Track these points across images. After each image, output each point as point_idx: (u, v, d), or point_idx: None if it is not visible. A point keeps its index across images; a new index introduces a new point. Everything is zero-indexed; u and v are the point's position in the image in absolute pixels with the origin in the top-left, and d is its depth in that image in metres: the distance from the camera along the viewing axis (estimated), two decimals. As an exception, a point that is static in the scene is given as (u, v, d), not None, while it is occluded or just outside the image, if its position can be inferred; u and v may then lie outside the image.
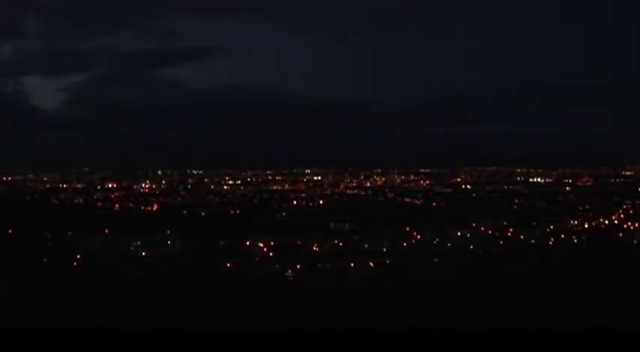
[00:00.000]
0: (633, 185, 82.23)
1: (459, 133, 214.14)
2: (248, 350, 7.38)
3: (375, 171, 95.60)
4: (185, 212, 69.29)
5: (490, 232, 59.48)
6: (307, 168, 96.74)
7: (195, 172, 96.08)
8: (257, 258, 52.06)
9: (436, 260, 51.66)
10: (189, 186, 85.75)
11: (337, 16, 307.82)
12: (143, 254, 52.00)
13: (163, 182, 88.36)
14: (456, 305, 36.96)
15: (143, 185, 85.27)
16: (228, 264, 49.30)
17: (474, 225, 60.31)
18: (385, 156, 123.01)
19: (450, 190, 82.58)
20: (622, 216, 66.91)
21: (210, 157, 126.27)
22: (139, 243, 53.21)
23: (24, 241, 53.50)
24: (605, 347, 7.20)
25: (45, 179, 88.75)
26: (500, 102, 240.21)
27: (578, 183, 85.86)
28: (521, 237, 58.77)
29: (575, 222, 63.47)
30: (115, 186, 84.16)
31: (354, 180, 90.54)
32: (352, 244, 55.02)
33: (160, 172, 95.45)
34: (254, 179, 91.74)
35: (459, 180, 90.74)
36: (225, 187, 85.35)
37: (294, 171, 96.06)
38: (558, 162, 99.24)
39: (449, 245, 56.08)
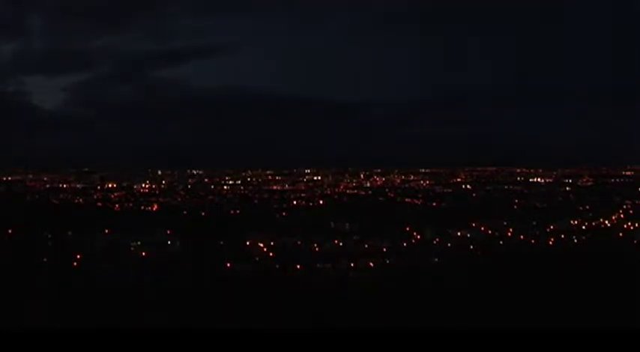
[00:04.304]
0: (633, 185, 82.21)
1: (459, 133, 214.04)
2: (248, 350, 7.37)
3: (375, 171, 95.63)
4: (185, 212, 69.30)
5: (490, 232, 59.47)
6: (307, 168, 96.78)
7: (195, 172, 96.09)
8: (257, 258, 52.05)
9: (436, 260, 51.64)
10: (189, 186, 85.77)
11: (337, 16, 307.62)
12: (143, 254, 52.01)
13: (163, 182, 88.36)
14: (457, 306, 36.98)
15: (143, 185, 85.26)
16: (228, 264, 49.30)
17: (473, 225, 60.29)
18: (385, 156, 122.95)
19: (450, 190, 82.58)
20: (622, 216, 66.86)
21: (210, 157, 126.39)
22: (139, 243, 53.23)
23: (24, 241, 53.50)
24: (606, 347, 7.20)
25: (45, 179, 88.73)
26: (500, 103, 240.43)
27: (578, 183, 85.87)
28: (521, 237, 58.74)
29: (575, 222, 63.45)
30: (115, 186, 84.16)
31: (354, 180, 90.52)
32: (352, 244, 55.00)
33: (160, 172, 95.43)
34: (254, 179, 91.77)
35: (459, 180, 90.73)
36: (225, 187, 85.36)
37: (294, 171, 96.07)
38: (558, 162, 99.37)
39: (449, 245, 56.06)
